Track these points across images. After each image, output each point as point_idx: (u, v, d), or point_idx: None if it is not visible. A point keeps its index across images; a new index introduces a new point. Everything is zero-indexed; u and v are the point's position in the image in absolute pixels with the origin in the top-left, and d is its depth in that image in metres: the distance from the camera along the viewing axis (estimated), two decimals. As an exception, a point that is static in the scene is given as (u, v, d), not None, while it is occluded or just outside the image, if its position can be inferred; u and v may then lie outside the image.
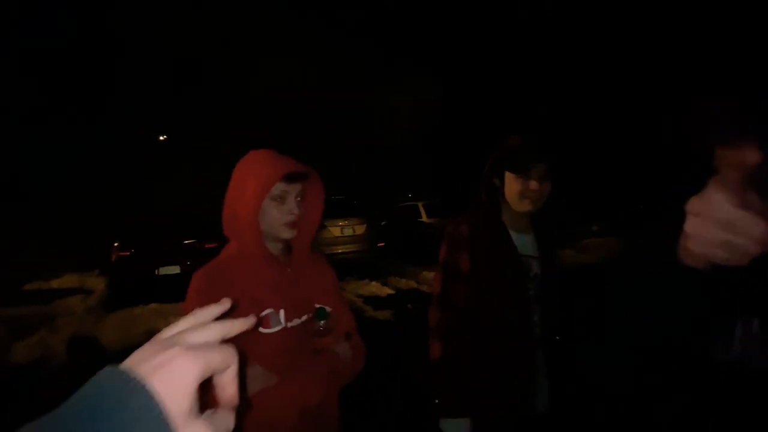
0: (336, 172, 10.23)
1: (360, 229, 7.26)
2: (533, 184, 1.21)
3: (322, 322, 0.99)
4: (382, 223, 8.82)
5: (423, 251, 6.21)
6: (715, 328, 0.77)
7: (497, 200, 1.29)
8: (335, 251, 7.02)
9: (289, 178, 0.97)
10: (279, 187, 0.96)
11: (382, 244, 7.72)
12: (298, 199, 0.99)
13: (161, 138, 14.92)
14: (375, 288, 6.32)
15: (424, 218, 8.86)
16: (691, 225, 0.46)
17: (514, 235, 1.27)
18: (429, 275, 6.31)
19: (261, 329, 0.93)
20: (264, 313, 0.95)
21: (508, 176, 1.25)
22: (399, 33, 12.37)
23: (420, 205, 9.19)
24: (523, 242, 1.28)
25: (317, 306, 1.01)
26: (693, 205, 0.45)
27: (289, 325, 0.97)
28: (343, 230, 7.16)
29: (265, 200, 0.96)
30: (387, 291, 6.17)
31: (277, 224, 0.97)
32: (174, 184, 10.48)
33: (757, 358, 0.72)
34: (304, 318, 1.01)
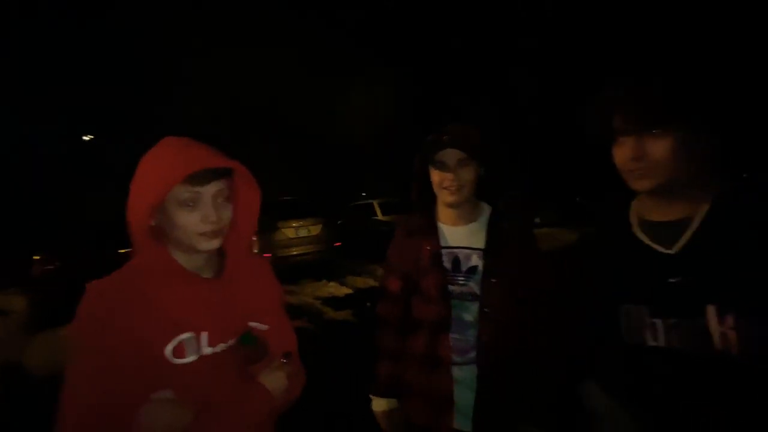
0: (291, 173, 9.95)
1: (315, 230, 7.07)
2: (448, 175, 1.20)
3: (249, 346, 0.84)
4: (339, 222, 8.67)
5: (379, 249, 6.07)
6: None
7: (432, 195, 1.28)
8: (290, 253, 6.78)
9: (199, 177, 0.77)
10: (186, 190, 0.77)
11: (339, 243, 7.57)
12: (220, 200, 0.81)
13: (85, 138, 13.53)
14: (333, 288, 6.20)
15: (380, 216, 8.88)
16: None
17: (446, 228, 1.26)
18: (387, 272, 6.34)
19: (174, 359, 0.76)
20: (177, 339, 0.77)
21: (431, 170, 1.25)
22: (356, 31, 12.24)
23: (375, 203, 9.23)
24: (459, 234, 1.25)
25: (246, 330, 0.86)
26: None
27: (213, 350, 0.80)
28: (297, 231, 6.93)
29: (171, 206, 0.77)
30: (345, 291, 6.09)
31: (190, 234, 0.79)
32: (106, 190, 9.56)
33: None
34: (229, 342, 0.84)
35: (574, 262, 0.98)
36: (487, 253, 1.21)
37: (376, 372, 1.29)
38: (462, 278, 1.21)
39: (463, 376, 1.18)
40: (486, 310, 1.18)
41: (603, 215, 0.96)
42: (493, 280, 1.18)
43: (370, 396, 1.29)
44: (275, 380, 0.83)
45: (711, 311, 0.72)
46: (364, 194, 11.22)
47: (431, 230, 1.27)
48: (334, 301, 5.59)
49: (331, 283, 6.36)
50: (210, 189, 0.79)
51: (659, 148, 0.76)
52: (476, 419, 1.16)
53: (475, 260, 1.22)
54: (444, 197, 1.23)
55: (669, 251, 0.78)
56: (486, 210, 1.29)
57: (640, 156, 0.77)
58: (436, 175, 1.23)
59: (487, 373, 1.17)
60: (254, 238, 6.46)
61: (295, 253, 6.85)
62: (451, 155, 1.20)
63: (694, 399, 0.73)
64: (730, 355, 0.70)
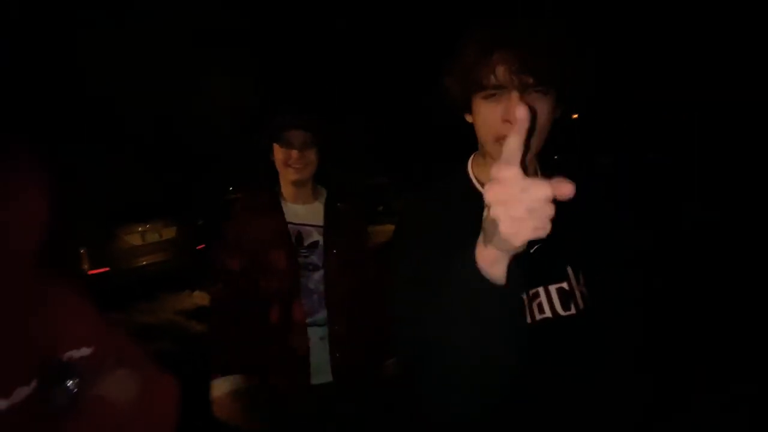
0: (133, 168, 8.19)
1: (168, 233, 5.96)
2: (294, 153, 1.29)
3: (69, 383, 0.61)
4: (199, 222, 7.53)
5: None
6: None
7: (276, 172, 1.37)
8: (137, 264, 5.59)
9: None
10: None
11: (203, 245, 6.53)
12: None
13: None
14: (198, 298, 5.32)
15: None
16: (495, 211, 0.47)
17: (289, 205, 1.36)
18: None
19: None
20: None
21: (275, 147, 1.33)
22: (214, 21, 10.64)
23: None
24: (301, 212, 1.36)
25: (57, 360, 0.61)
26: (492, 192, 0.47)
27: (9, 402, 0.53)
28: (144, 236, 5.73)
29: None
30: (214, 298, 5.32)
31: None
32: None
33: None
34: (32, 385, 0.57)
35: (407, 229, 0.81)
36: (326, 229, 1.35)
37: (215, 353, 1.25)
38: (305, 251, 1.32)
39: (314, 336, 1.29)
40: (331, 276, 1.31)
41: (439, 182, 0.83)
42: (334, 251, 1.32)
43: (211, 381, 1.24)
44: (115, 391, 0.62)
45: (570, 272, 0.72)
46: (231, 188, 10.09)
47: (276, 207, 1.35)
48: (200, 313, 4.76)
49: (196, 293, 5.44)
50: None
51: (543, 108, 0.66)
52: (336, 371, 1.29)
53: (316, 236, 1.34)
54: (289, 175, 1.33)
55: None
56: (323, 192, 1.43)
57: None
58: (281, 153, 1.31)
59: (337, 330, 1.29)
60: (81, 251, 5.13)
61: (144, 263, 5.66)
62: (297, 135, 1.30)
63: (564, 361, 0.70)
64: (586, 312, 0.71)
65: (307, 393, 1.27)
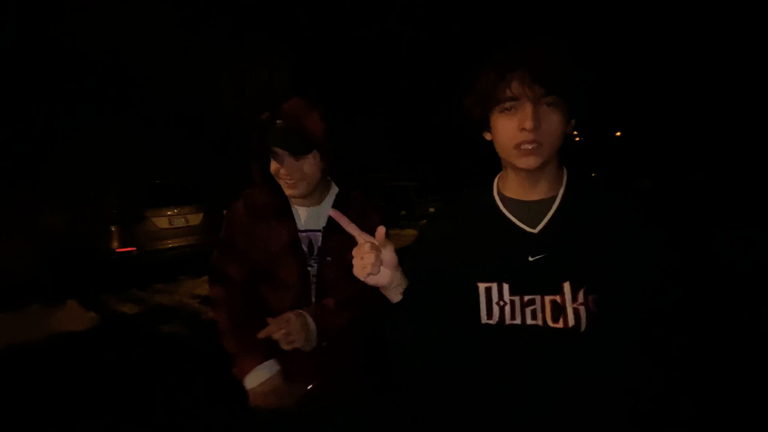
0: (167, 153, 8.54)
1: (195, 219, 6.17)
2: (282, 170, 1.10)
3: None
4: (224, 211, 7.76)
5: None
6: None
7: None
8: (162, 246, 5.81)
9: None
10: None
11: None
12: None
13: None
14: (215, 285, 5.49)
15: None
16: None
17: (299, 209, 1.18)
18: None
19: None
20: None
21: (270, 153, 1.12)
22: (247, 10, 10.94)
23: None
24: (312, 216, 1.18)
25: None
26: None
27: None
28: (171, 221, 5.96)
29: None
30: (230, 287, 5.46)
31: None
32: None
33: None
34: None
35: (428, 235, 0.92)
36: (325, 233, 1.17)
37: (235, 351, 1.11)
38: (315, 260, 1.17)
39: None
40: (323, 287, 1.16)
41: (467, 194, 0.92)
42: (328, 259, 1.16)
43: (244, 377, 1.09)
44: None
45: (566, 288, 0.75)
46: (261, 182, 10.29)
47: (285, 212, 1.16)
48: (215, 300, 4.95)
49: (214, 280, 5.63)
50: None
51: (554, 118, 0.73)
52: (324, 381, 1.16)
53: (320, 241, 1.17)
54: (286, 189, 1.13)
55: (533, 230, 0.79)
56: (335, 189, 1.23)
57: (537, 126, 0.71)
58: (273, 164, 1.11)
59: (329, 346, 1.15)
60: (112, 229, 5.40)
61: (169, 246, 5.89)
62: (283, 152, 1.08)
63: (548, 372, 0.75)
64: (580, 329, 0.73)
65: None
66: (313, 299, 1.15)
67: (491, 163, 0.87)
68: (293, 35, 12.28)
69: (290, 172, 1.08)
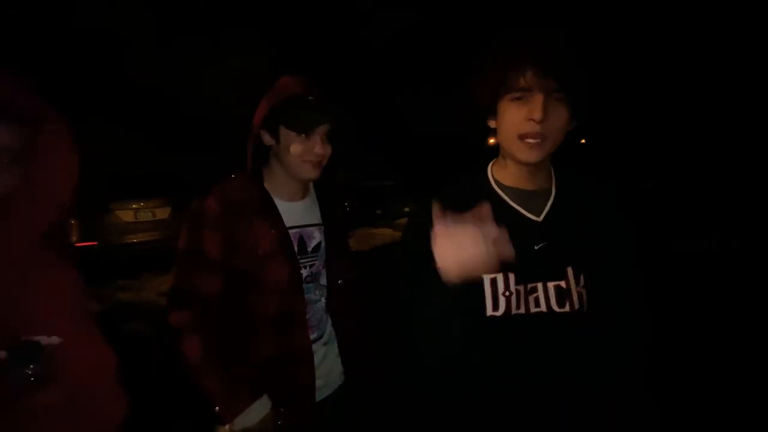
0: (137, 143, 8.13)
1: (162, 213, 5.93)
2: (319, 148, 1.03)
3: (31, 366, 0.64)
4: (186, 212, 7.49)
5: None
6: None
7: (265, 162, 1.09)
8: (127, 241, 5.56)
9: None
10: None
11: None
12: (6, 161, 0.62)
13: None
14: (183, 283, 5.31)
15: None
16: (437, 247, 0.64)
17: (283, 204, 1.08)
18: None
19: None
20: None
21: (287, 134, 1.02)
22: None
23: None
24: (298, 211, 1.10)
25: (25, 340, 0.64)
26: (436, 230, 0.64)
27: None
28: (137, 214, 5.71)
29: None
30: (199, 285, 5.28)
31: None
32: None
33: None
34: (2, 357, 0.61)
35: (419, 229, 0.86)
36: (327, 228, 1.13)
37: (220, 389, 0.95)
38: (308, 259, 1.09)
39: (318, 353, 1.09)
40: (340, 282, 1.13)
41: (459, 185, 0.89)
42: (333, 251, 1.13)
43: (233, 419, 0.93)
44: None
45: (570, 273, 0.77)
46: (233, 176, 10.01)
47: (269, 208, 1.05)
48: (183, 298, 4.78)
49: (182, 277, 5.43)
50: None
51: (561, 113, 0.73)
52: (349, 377, 1.15)
53: (318, 236, 1.12)
54: (304, 172, 1.04)
55: (537, 219, 0.80)
56: (310, 185, 1.18)
57: (545, 118, 0.71)
58: (298, 145, 1.01)
59: (346, 337, 1.15)
60: (71, 221, 5.11)
61: (134, 240, 5.64)
62: (323, 127, 1.03)
63: (557, 357, 0.76)
64: (583, 311, 0.76)
65: (314, 416, 1.07)
66: (306, 303, 1.06)
67: (469, 161, 0.88)
68: (270, 27, 12.00)
69: (325, 151, 1.03)
